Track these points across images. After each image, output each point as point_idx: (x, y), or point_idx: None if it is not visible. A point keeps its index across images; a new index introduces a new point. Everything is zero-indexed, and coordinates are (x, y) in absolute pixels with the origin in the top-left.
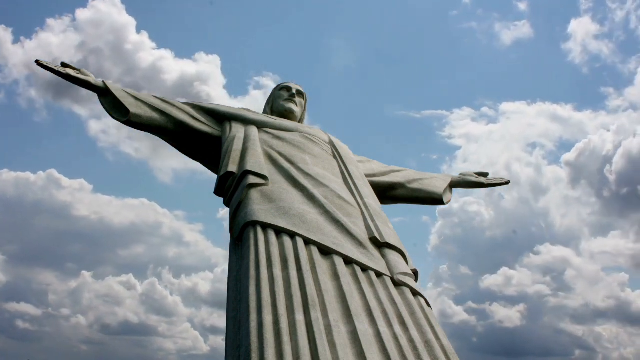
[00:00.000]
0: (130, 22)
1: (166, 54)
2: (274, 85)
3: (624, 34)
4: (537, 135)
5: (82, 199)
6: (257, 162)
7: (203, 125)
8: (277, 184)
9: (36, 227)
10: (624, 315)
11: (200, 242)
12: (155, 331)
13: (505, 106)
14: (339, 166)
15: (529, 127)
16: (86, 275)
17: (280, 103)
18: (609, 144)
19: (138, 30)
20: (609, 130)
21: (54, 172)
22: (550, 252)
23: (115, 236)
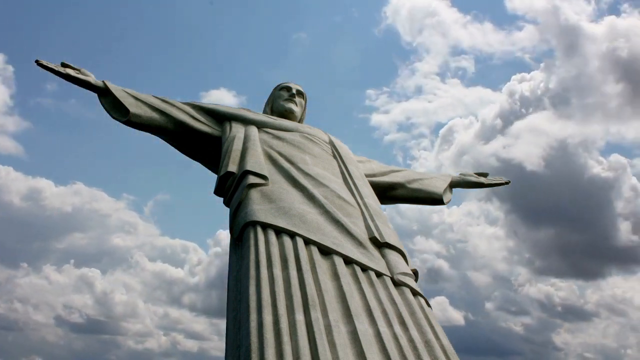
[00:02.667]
0: None
1: None
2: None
3: None
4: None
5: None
6: (257, 162)
7: (203, 125)
8: (277, 184)
9: None
10: None
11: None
12: (119, 328)
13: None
14: (339, 166)
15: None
16: (26, 267)
17: (280, 103)
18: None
19: None
20: None
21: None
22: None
23: (55, 225)
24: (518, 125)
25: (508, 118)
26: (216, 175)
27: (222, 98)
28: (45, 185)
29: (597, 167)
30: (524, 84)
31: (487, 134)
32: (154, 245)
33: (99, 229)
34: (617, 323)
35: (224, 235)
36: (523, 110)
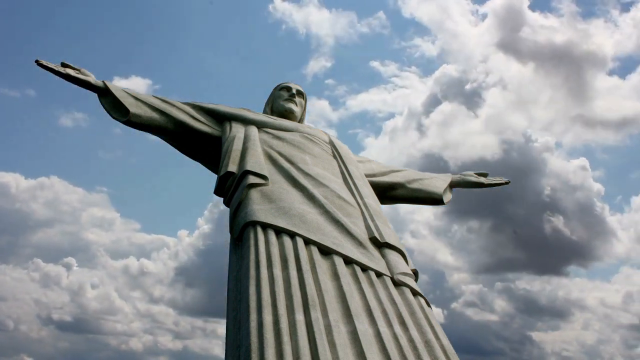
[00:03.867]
0: None
1: None
2: None
3: None
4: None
5: None
6: (257, 162)
7: (203, 125)
8: (277, 184)
9: None
10: None
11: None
12: (101, 327)
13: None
14: (339, 166)
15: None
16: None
17: (280, 103)
18: None
19: None
20: None
21: None
22: None
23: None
24: (436, 117)
25: (427, 110)
26: (216, 175)
27: (138, 85)
28: (12, 179)
29: (521, 156)
30: (441, 76)
31: (408, 127)
32: (131, 241)
33: (75, 225)
34: (589, 320)
35: (184, 235)
36: (441, 102)
